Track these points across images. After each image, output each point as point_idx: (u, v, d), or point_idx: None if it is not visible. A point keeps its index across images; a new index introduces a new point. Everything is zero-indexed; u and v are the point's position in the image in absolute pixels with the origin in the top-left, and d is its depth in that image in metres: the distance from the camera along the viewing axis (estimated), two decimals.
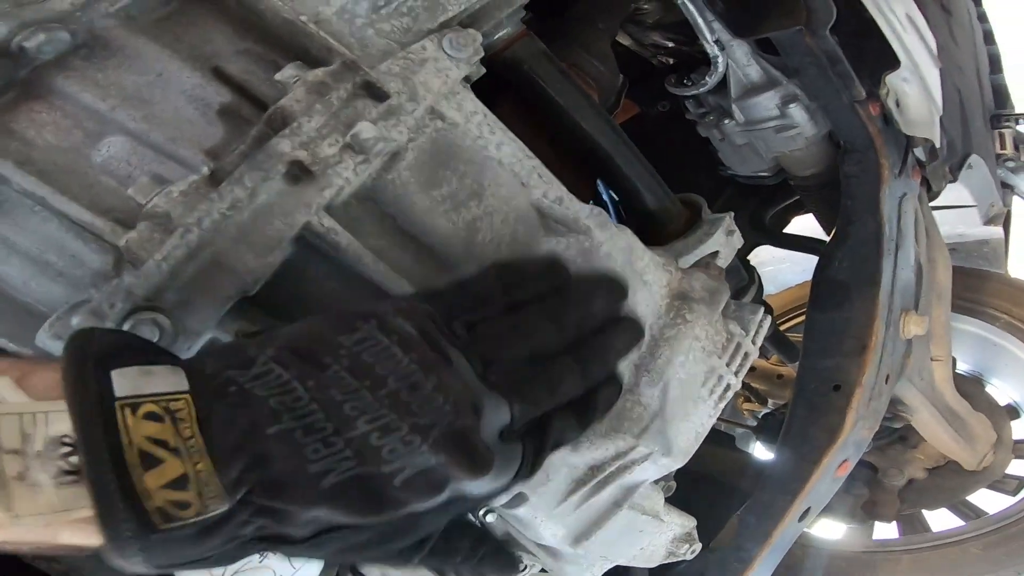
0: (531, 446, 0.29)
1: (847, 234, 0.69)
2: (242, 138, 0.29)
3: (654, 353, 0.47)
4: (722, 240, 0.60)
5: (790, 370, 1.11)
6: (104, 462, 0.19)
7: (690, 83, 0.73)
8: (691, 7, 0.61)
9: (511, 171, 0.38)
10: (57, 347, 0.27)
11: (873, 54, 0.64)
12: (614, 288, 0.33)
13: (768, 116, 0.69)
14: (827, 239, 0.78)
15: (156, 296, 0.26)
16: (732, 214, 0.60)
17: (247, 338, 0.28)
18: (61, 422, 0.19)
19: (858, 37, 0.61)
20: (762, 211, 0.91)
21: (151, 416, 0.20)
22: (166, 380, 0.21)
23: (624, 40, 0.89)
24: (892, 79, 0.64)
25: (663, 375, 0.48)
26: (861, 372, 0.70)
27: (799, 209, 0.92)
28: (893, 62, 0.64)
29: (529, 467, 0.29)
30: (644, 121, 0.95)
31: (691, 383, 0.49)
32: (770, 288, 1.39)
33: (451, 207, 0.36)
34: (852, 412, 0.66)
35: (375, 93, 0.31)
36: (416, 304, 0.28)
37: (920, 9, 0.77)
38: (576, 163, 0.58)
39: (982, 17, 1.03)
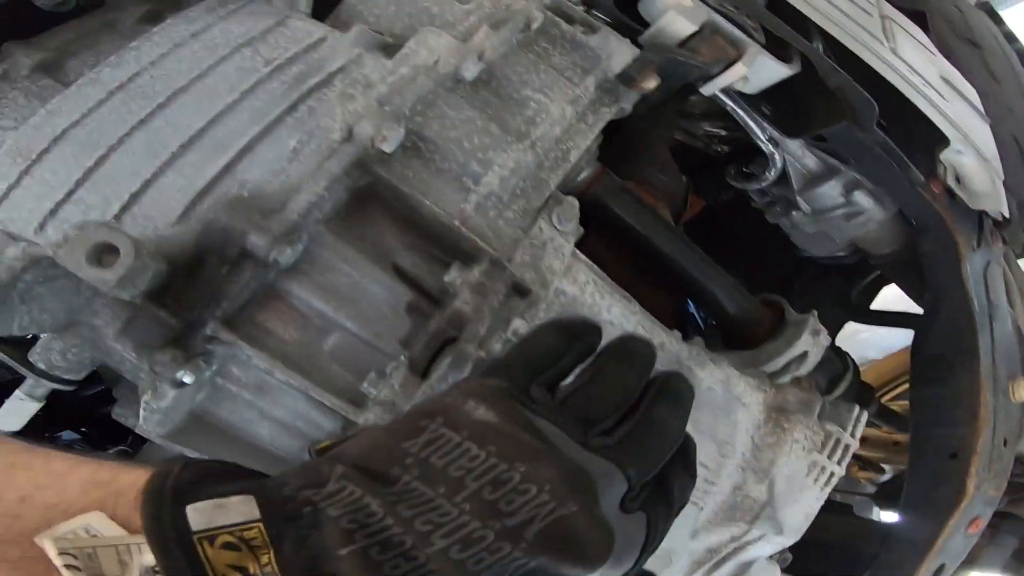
0: (657, 511, 0.29)
1: (937, 310, 0.76)
2: (425, 330, 0.45)
3: (758, 457, 0.63)
4: (809, 341, 0.69)
5: (905, 435, 1.14)
6: None
7: (751, 176, 0.85)
8: (740, 112, 0.74)
9: (620, 328, 0.53)
10: None
11: (921, 134, 0.76)
12: (642, 340, 0.34)
13: (834, 204, 0.79)
14: (918, 311, 0.87)
15: None
16: (815, 314, 0.68)
17: (320, 454, 0.28)
18: (146, 555, 0.21)
19: (903, 120, 0.73)
20: (847, 289, 0.98)
21: (228, 546, 0.22)
22: (238, 511, 0.23)
23: (677, 135, 1.07)
24: (947, 155, 0.75)
25: (768, 474, 0.63)
26: (975, 440, 0.73)
27: (885, 281, 0.99)
28: (942, 139, 0.76)
29: (658, 535, 0.28)
30: (713, 211, 1.08)
31: (796, 476, 0.64)
32: (873, 353, 1.43)
33: None
34: (972, 478, 0.72)
35: (520, 290, 0.46)
36: (484, 381, 0.28)
37: (951, 59, 0.89)
38: (658, 280, 0.68)
39: (1010, 37, 1.12)
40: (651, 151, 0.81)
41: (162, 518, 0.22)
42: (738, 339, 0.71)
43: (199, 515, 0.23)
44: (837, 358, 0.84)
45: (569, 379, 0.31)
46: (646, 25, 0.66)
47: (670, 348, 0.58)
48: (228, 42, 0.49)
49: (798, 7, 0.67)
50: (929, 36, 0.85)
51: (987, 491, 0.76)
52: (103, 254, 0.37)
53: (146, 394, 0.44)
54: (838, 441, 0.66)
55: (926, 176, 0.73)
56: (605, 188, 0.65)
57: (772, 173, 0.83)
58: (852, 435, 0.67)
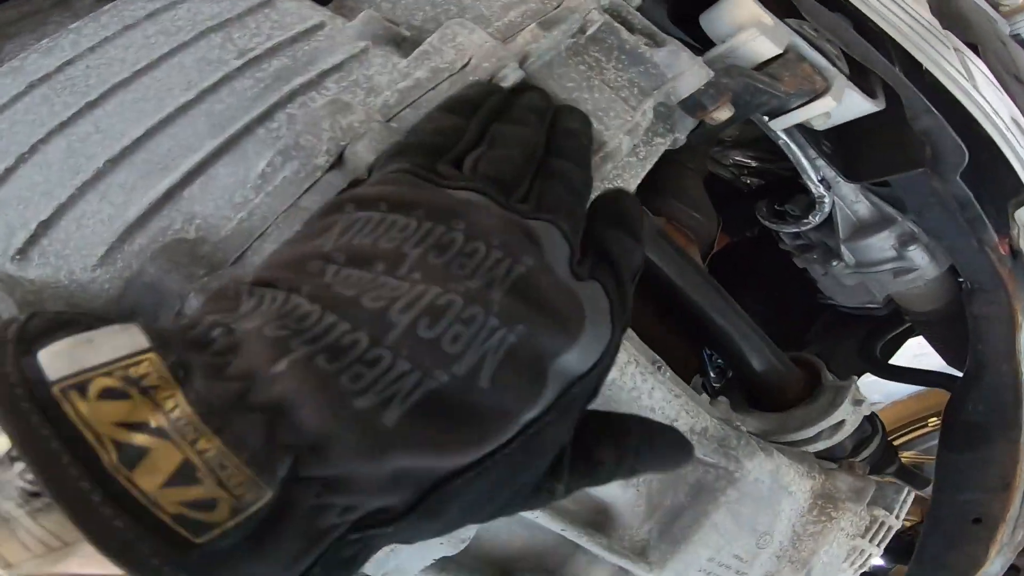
0: (606, 277, 0.22)
1: (980, 377, 0.61)
2: None
3: (798, 546, 0.48)
4: (849, 410, 0.56)
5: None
6: (67, 473, 0.13)
7: (786, 215, 0.69)
8: (793, 147, 0.58)
9: (663, 414, 0.39)
10: None
11: (996, 184, 0.61)
12: (542, 92, 0.30)
13: (884, 258, 0.63)
14: (944, 369, 0.72)
15: None
16: (856, 381, 0.56)
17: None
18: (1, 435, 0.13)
19: (977, 167, 0.58)
20: (871, 341, 0.83)
21: (109, 394, 0.14)
22: (115, 344, 0.14)
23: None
24: (1021, 214, 0.61)
25: (807, 563, 0.49)
26: (1005, 509, 0.63)
27: (912, 333, 0.83)
28: (1018, 189, 0.61)
29: (620, 305, 0.22)
30: (734, 247, 0.93)
31: (833, 563, 0.50)
32: (876, 397, 1.27)
33: None
34: (996, 545, 0.61)
35: None
36: (385, 167, 0.23)
37: (1013, 99, 0.74)
38: (680, 326, 0.56)
39: None
40: (685, 185, 0.64)
41: (3, 371, 0.13)
42: (765, 399, 0.58)
43: (57, 358, 0.14)
44: (866, 420, 0.70)
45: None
46: (704, 43, 0.51)
47: (715, 433, 0.43)
48: (194, 25, 0.32)
49: (887, 31, 0.51)
50: None
51: (1006, 555, 0.65)
52: None
53: None
54: (883, 524, 0.52)
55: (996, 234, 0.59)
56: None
57: (817, 217, 0.65)
58: (898, 517, 0.54)
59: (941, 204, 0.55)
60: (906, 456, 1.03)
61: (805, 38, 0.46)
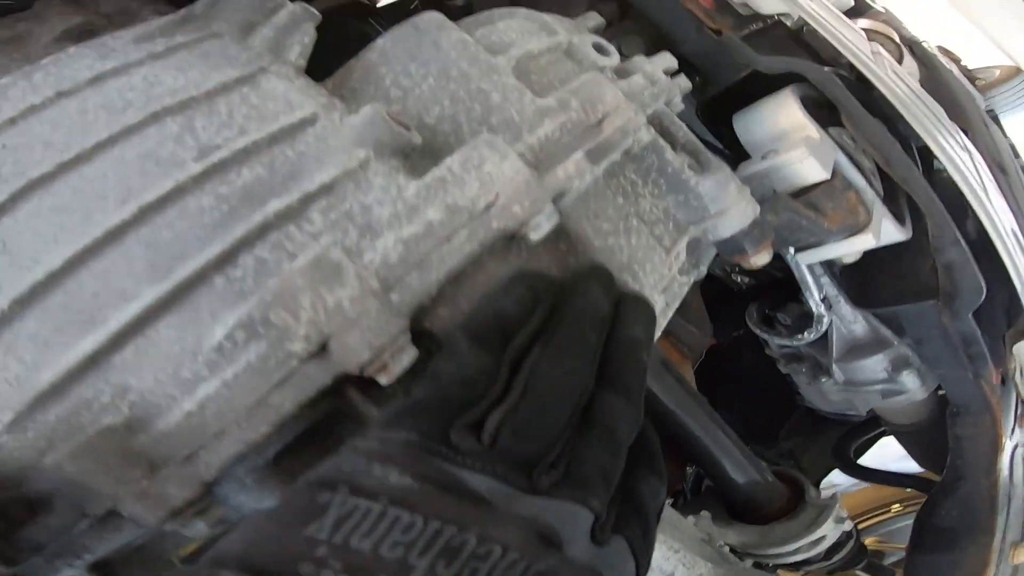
0: (633, 529, 0.23)
1: (956, 488, 0.62)
2: None
3: None
4: (830, 527, 0.57)
5: None
6: None
7: (775, 325, 0.66)
8: (802, 267, 0.54)
9: (659, 570, 0.37)
10: None
11: (995, 308, 0.60)
12: (603, 275, 0.25)
13: (874, 379, 0.62)
14: (915, 470, 0.74)
15: None
16: (839, 498, 0.56)
17: (187, 561, 0.22)
18: None
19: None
20: (845, 443, 0.82)
21: None
22: None
23: None
24: (1020, 348, 0.61)
25: None
26: None
27: (884, 434, 0.82)
28: (1017, 314, 0.60)
29: (643, 553, 0.23)
30: (719, 348, 0.87)
31: None
32: (839, 481, 1.29)
33: None
34: None
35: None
36: (388, 436, 0.20)
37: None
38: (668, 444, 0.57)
39: (1015, 152, 0.99)
40: (687, 298, 0.62)
41: None
42: (748, 513, 0.58)
43: None
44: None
45: None
46: (730, 144, 0.46)
47: None
48: (147, 100, 0.25)
49: (923, 136, 0.47)
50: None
51: None
52: None
53: None
54: None
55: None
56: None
57: (811, 335, 0.62)
58: None
59: (944, 337, 0.54)
60: (869, 541, 1.07)
61: (844, 150, 0.42)
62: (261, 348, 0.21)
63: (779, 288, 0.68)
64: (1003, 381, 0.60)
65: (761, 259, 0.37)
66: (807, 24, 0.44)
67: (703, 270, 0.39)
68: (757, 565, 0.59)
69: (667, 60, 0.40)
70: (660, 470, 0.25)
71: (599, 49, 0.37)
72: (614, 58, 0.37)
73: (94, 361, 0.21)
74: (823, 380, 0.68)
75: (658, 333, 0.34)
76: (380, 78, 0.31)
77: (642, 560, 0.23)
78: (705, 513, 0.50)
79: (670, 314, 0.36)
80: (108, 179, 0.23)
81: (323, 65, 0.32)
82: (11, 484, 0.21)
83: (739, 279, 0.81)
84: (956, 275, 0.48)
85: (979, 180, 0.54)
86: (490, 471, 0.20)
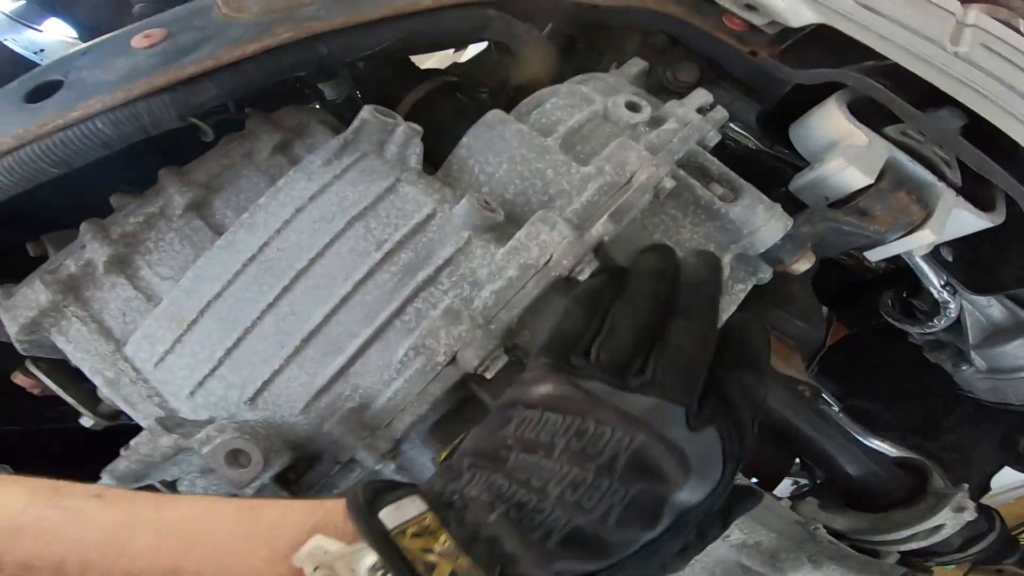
0: (724, 421, 0.32)
1: None
2: None
3: None
4: (948, 516, 0.58)
5: None
6: (406, 573, 0.27)
7: (913, 312, 0.68)
8: (916, 258, 0.58)
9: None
10: None
11: None
12: (661, 247, 0.38)
13: (1019, 366, 0.63)
14: None
15: None
16: (966, 489, 0.58)
17: (445, 459, 0.37)
18: (368, 556, 0.28)
19: None
20: (1014, 436, 0.81)
21: (415, 534, 0.29)
22: (412, 508, 0.29)
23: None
24: None
25: None
26: None
27: None
28: None
29: (734, 443, 0.32)
30: (858, 336, 0.87)
31: None
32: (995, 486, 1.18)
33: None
34: None
35: None
36: (535, 363, 0.34)
37: None
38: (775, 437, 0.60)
39: None
40: (790, 292, 0.65)
41: (370, 527, 0.29)
42: (866, 501, 0.62)
43: (389, 518, 0.29)
44: (982, 516, 0.68)
45: None
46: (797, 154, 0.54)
47: (768, 547, 0.52)
48: (343, 212, 0.46)
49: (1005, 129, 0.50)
50: None
51: None
52: (238, 456, 0.42)
53: None
54: None
55: None
56: None
57: (941, 322, 0.65)
58: None
59: None
60: None
61: (908, 148, 0.48)
62: (421, 360, 0.42)
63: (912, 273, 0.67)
64: None
65: (801, 266, 0.47)
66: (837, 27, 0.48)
67: (764, 276, 0.49)
68: (870, 552, 0.65)
69: (700, 98, 0.51)
70: (759, 367, 0.34)
71: (632, 107, 0.51)
72: (645, 112, 0.50)
73: (342, 372, 0.44)
74: (964, 368, 0.69)
75: (721, 318, 0.46)
76: (471, 168, 0.50)
77: (730, 447, 0.32)
78: (811, 499, 0.57)
79: (724, 316, 0.46)
80: (335, 267, 0.46)
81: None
82: (300, 447, 0.44)
83: (875, 265, 0.82)
84: None
85: None
86: (595, 376, 0.33)
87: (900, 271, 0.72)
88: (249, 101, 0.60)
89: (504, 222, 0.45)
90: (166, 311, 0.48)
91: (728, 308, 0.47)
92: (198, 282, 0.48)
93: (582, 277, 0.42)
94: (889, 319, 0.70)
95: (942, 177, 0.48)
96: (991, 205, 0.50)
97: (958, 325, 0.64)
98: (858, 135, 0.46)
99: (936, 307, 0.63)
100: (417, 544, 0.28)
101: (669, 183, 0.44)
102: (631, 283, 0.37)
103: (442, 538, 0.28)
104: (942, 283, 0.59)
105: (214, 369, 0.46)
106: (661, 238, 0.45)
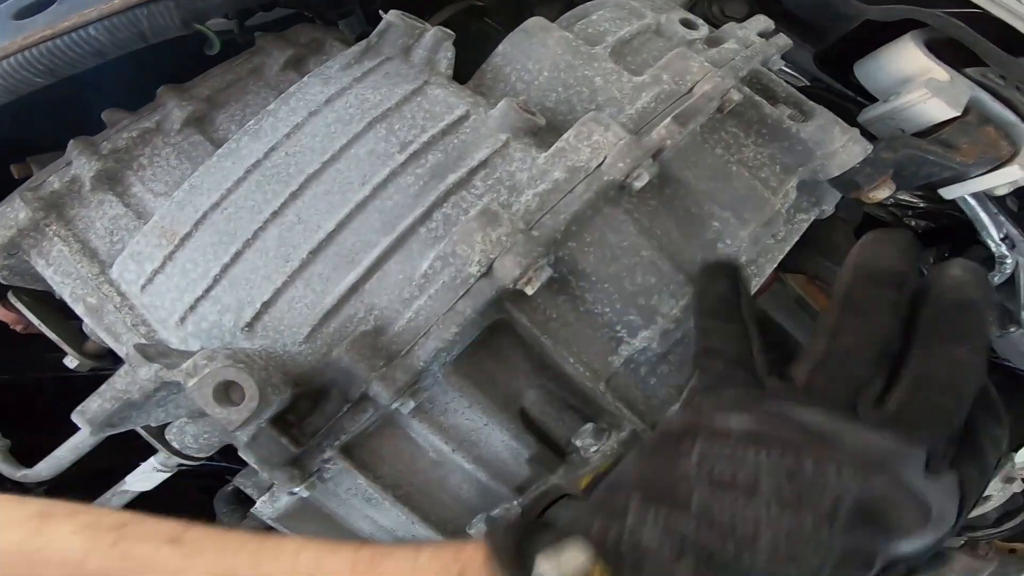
0: (969, 470, 0.25)
1: None
2: (544, 481, 0.36)
3: None
4: (998, 487, 0.54)
5: None
6: None
7: None
8: (972, 202, 0.50)
9: None
10: None
11: None
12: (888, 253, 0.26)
13: None
14: None
15: None
16: (1013, 458, 0.53)
17: (586, 490, 0.30)
18: None
19: None
20: None
21: None
22: (576, 557, 0.23)
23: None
24: None
25: None
26: None
27: None
28: None
29: (972, 495, 0.25)
30: None
31: None
32: None
33: None
34: None
35: None
36: (714, 387, 0.26)
37: None
38: None
39: None
40: (833, 239, 0.55)
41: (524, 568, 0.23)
42: None
43: (550, 567, 0.23)
44: (1018, 493, 0.64)
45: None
46: (858, 93, 0.47)
47: None
48: (362, 113, 0.38)
49: None
50: None
51: None
52: (230, 390, 0.33)
53: (264, 496, 0.42)
54: None
55: None
56: (778, 298, 0.50)
57: (996, 279, 0.56)
58: None
59: None
60: None
61: (990, 89, 0.41)
62: (451, 272, 0.33)
63: (961, 230, 0.62)
64: None
65: (879, 193, 0.39)
66: None
67: (827, 208, 0.42)
68: None
69: (761, 23, 0.43)
70: (1002, 419, 0.26)
71: (687, 24, 0.42)
72: (703, 30, 0.42)
73: (354, 289, 0.35)
74: (1012, 331, 0.61)
75: (773, 262, 0.39)
76: (507, 76, 0.42)
77: (968, 497, 0.25)
78: None
79: (786, 247, 0.39)
80: (352, 170, 0.37)
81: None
82: (303, 381, 0.35)
83: (914, 223, 0.75)
84: None
85: None
86: (812, 403, 0.24)
87: (940, 230, 0.64)
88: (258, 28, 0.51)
89: (545, 129, 0.36)
90: (157, 225, 0.40)
91: (790, 239, 0.39)
92: (194, 193, 0.39)
93: (639, 184, 0.32)
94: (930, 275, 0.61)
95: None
96: None
97: (1009, 285, 0.56)
98: (939, 71, 0.39)
99: (987, 264, 0.55)
100: None
101: (736, 95, 0.36)
102: (857, 288, 0.27)
103: None
104: (1001, 236, 0.51)
105: (208, 289, 0.37)
106: (722, 156, 0.37)
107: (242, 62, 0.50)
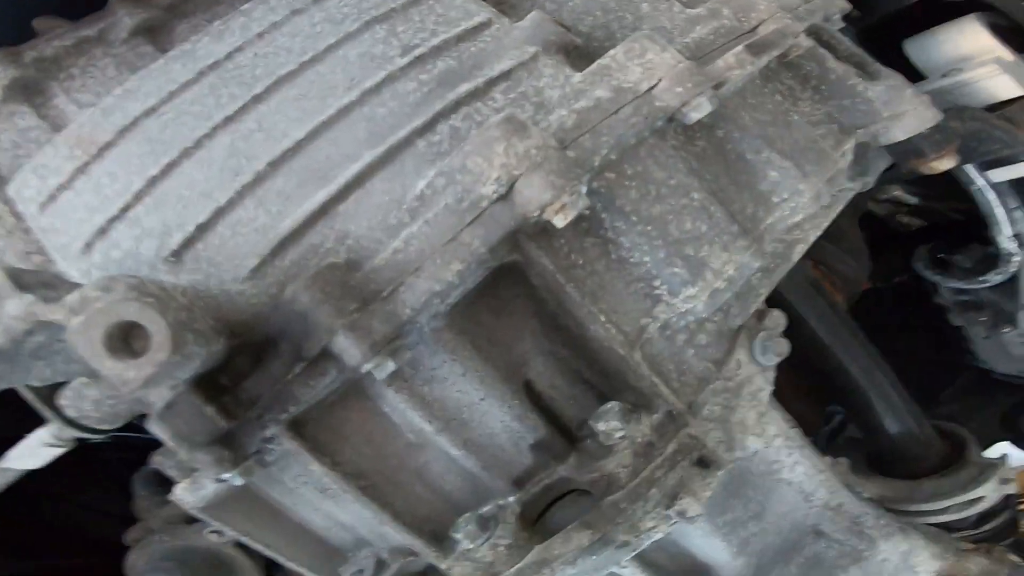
0: None
1: None
2: (549, 473, 0.27)
3: None
4: (993, 488, 0.49)
5: None
6: None
7: (951, 267, 0.59)
8: (991, 193, 0.49)
9: (799, 488, 0.35)
10: None
11: None
12: None
13: None
14: None
15: None
16: (1007, 459, 0.50)
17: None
18: None
19: None
20: (1019, 412, 0.73)
21: None
22: None
23: None
24: None
25: None
26: None
27: None
28: None
29: None
30: (874, 292, 0.83)
31: None
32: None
33: (730, 530, 0.35)
34: None
35: (703, 461, 0.28)
36: None
37: None
38: (807, 379, 0.52)
39: None
40: (841, 226, 0.57)
41: None
42: (893, 464, 0.53)
43: None
44: None
45: None
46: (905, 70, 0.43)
47: (850, 510, 0.39)
48: (359, 13, 0.30)
49: None
50: None
51: None
52: (131, 336, 0.22)
53: (182, 483, 0.31)
54: None
55: None
56: (795, 280, 0.45)
57: (998, 277, 0.56)
58: None
59: None
60: None
61: None
62: (456, 191, 0.25)
63: (956, 230, 0.61)
64: None
65: (943, 164, 0.34)
66: None
67: (870, 180, 0.36)
68: None
69: None
70: None
71: None
72: None
73: (324, 211, 0.26)
74: (1005, 331, 0.60)
75: (818, 230, 0.33)
76: None
77: None
78: (843, 460, 0.45)
79: (832, 214, 0.34)
80: (336, 73, 0.29)
81: None
82: (244, 329, 0.26)
83: (906, 220, 0.73)
84: None
85: None
86: None
87: (935, 228, 0.63)
88: None
89: (577, 53, 0.29)
90: (72, 134, 0.30)
91: (835, 207, 0.33)
92: (126, 98, 0.30)
93: (695, 115, 0.25)
94: (925, 274, 0.62)
95: None
96: None
97: (1009, 285, 0.57)
98: (1003, 51, 0.35)
99: (985, 263, 0.55)
100: None
101: (804, 42, 0.30)
102: None
103: None
104: (1013, 233, 0.49)
105: (126, 208, 0.28)
106: (782, 103, 0.30)
107: None
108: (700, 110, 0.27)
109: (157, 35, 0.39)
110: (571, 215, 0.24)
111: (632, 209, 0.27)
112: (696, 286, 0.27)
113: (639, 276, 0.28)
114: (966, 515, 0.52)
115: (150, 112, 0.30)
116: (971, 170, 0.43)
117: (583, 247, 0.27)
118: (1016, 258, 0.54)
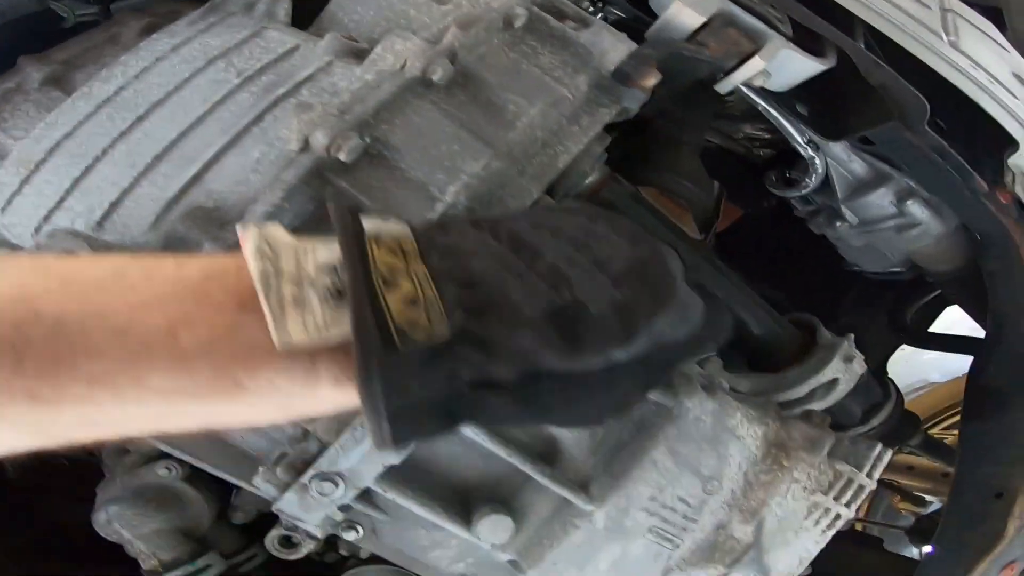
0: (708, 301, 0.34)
1: (999, 338, 0.72)
2: None
3: (748, 495, 0.61)
4: (839, 368, 0.67)
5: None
6: (360, 276, 0.27)
7: (792, 182, 0.82)
8: (773, 113, 0.72)
9: None
10: (268, 489, 0.51)
11: (988, 137, 0.70)
12: None
13: (884, 215, 0.75)
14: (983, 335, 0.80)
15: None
16: (851, 338, 0.67)
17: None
18: (329, 251, 0.28)
19: (965, 121, 0.68)
20: (901, 308, 0.94)
21: (390, 250, 0.29)
22: (398, 226, 0.30)
23: (715, 138, 1.00)
24: (1016, 160, 0.69)
25: (757, 514, 0.62)
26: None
27: (947, 301, 0.94)
28: (1011, 143, 0.69)
29: (715, 318, 0.34)
30: (753, 220, 1.05)
31: (791, 517, 0.62)
32: (935, 376, 1.39)
33: None
34: (1015, 520, 0.70)
35: None
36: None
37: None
38: None
39: None
40: (676, 157, 0.78)
41: (347, 219, 0.30)
42: (764, 361, 0.70)
43: (370, 224, 0.30)
44: (878, 385, 0.80)
45: None
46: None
47: None
48: (205, 55, 0.56)
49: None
50: (1005, 33, 0.78)
51: None
52: None
53: None
54: (849, 482, 0.62)
55: (991, 184, 0.68)
56: (613, 193, 0.66)
57: (813, 179, 0.80)
58: (869, 475, 0.63)
59: (925, 157, 0.66)
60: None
61: (742, 4, 0.60)
62: (276, 151, 0.48)
63: (795, 153, 0.82)
64: (1019, 205, 0.69)
65: (648, 81, 0.57)
66: None
67: (631, 107, 0.60)
68: None
69: None
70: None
71: None
72: None
73: (196, 179, 0.50)
74: (839, 225, 0.81)
75: (578, 144, 0.55)
76: (340, 19, 0.60)
77: (711, 316, 0.34)
78: (715, 358, 0.63)
79: (592, 132, 0.56)
80: (194, 96, 0.53)
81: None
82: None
83: (762, 153, 0.95)
84: (894, 93, 0.63)
85: (948, 32, 0.67)
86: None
87: (781, 155, 0.85)
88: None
89: (366, 52, 0.52)
90: (15, 158, 0.53)
91: (594, 126, 0.55)
92: (49, 128, 0.53)
93: (437, 78, 0.48)
94: (772, 190, 0.82)
95: (775, 29, 0.60)
96: (822, 54, 0.62)
97: (828, 186, 0.75)
98: None
99: (806, 168, 0.73)
100: (386, 257, 0.29)
101: (520, 12, 0.53)
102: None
103: (416, 265, 0.29)
104: (806, 140, 0.70)
105: (61, 201, 0.50)
106: (526, 68, 0.54)
107: (100, 31, 0.66)
108: (438, 74, 0.51)
109: (61, 83, 0.62)
110: (351, 153, 0.48)
111: (401, 144, 0.51)
112: (455, 185, 0.51)
113: (417, 185, 0.51)
114: (833, 401, 0.67)
115: (67, 136, 0.54)
116: (721, 91, 0.65)
117: (376, 173, 0.50)
118: (817, 160, 0.76)
